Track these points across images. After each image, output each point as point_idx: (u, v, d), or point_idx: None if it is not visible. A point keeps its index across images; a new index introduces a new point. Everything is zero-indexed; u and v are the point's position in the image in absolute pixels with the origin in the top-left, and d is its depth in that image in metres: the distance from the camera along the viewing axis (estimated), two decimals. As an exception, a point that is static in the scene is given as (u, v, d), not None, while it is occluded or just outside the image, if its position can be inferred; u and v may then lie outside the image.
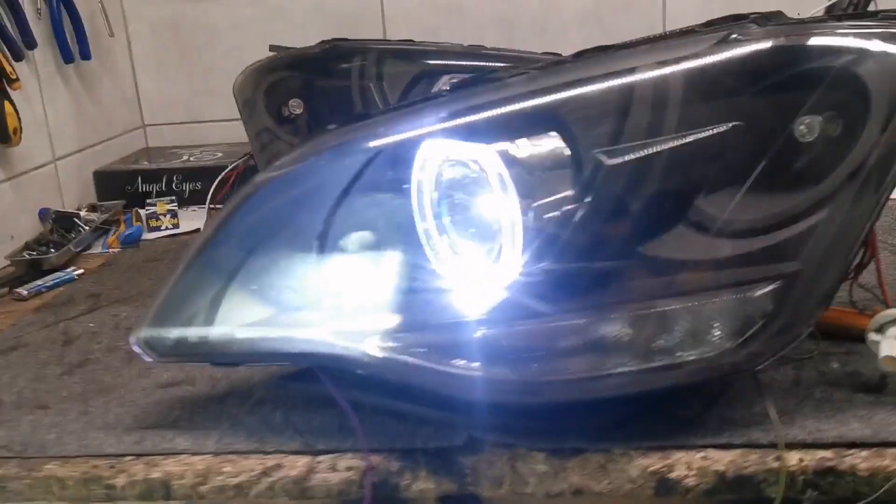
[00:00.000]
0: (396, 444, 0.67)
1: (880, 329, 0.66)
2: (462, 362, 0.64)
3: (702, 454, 0.62)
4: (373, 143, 0.67)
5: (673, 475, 0.61)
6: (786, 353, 0.70)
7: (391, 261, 0.67)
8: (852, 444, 0.60)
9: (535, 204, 0.64)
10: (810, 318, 0.64)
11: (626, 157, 0.63)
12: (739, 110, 0.65)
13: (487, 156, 0.64)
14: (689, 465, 0.62)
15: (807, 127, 0.65)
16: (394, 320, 0.66)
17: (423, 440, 0.66)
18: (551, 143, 0.65)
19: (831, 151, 0.64)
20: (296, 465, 0.67)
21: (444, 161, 0.66)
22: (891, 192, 0.66)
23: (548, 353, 0.65)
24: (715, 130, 0.63)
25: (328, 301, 0.68)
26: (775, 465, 0.60)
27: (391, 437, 0.67)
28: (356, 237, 0.67)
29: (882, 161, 0.63)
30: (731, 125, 0.63)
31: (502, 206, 0.64)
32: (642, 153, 0.63)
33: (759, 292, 0.63)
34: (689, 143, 0.63)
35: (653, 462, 0.62)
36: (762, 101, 0.65)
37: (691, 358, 0.63)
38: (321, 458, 0.67)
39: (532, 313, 0.64)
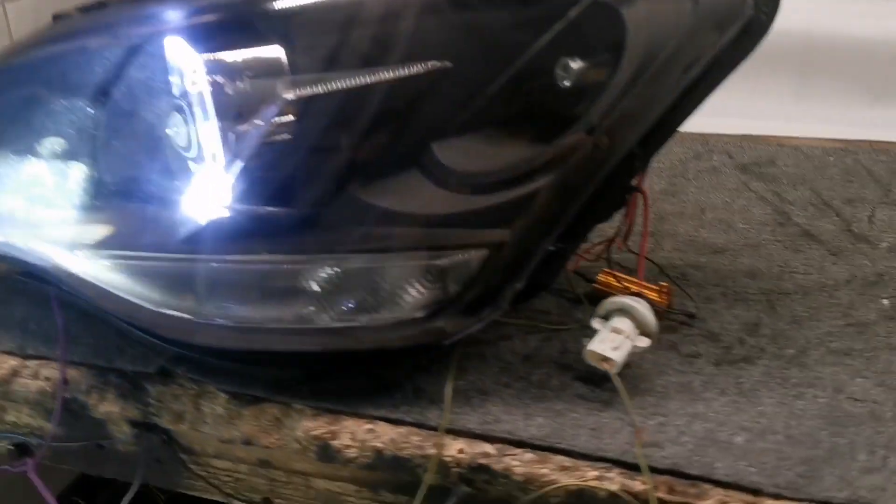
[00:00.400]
0: (97, 361, 0.64)
1: (607, 316, 0.58)
2: (150, 293, 0.60)
3: (370, 426, 0.57)
4: (99, 40, 0.61)
5: (335, 443, 0.57)
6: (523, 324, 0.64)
7: (104, 171, 0.62)
8: (520, 443, 0.54)
9: (239, 128, 0.57)
10: (510, 296, 0.56)
11: (323, 88, 0.55)
12: (479, 42, 0.55)
13: (191, 66, 0.57)
14: (354, 435, 0.57)
15: (563, 70, 0.55)
16: (98, 235, 0.62)
17: (121, 361, 0.64)
18: (269, 60, 0.57)
19: (577, 103, 0.55)
20: (2, 365, 0.66)
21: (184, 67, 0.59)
22: (643, 165, 0.56)
23: (240, 297, 0.59)
24: (444, 65, 0.54)
25: (39, 207, 0.64)
26: (432, 451, 0.54)
27: (97, 352, 0.65)
28: (61, 143, 0.62)
29: (623, 121, 0.53)
30: (467, 60, 0.54)
31: (202, 126, 0.57)
32: (346, 84, 0.55)
33: (460, 259, 0.55)
34: (408, 77, 0.55)
35: (319, 425, 0.57)
36: (507, 33, 0.55)
37: (381, 322, 0.57)
38: (30, 363, 0.66)
39: (229, 251, 0.59)
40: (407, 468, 0.55)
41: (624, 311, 0.57)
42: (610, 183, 0.54)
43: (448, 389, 0.57)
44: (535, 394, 0.58)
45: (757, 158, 0.93)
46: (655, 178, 0.90)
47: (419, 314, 0.56)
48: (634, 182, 0.58)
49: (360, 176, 0.57)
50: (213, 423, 0.61)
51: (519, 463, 0.53)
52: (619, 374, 0.58)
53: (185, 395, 0.62)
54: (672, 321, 0.65)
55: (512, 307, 0.57)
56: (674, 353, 0.61)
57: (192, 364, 0.62)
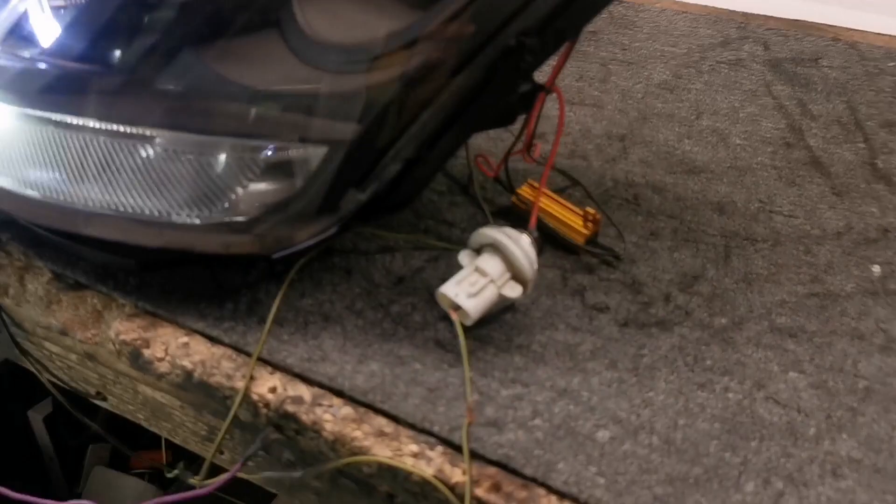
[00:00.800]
0: (-69, 214, 0.56)
1: (480, 249, 0.45)
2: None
3: (186, 340, 0.48)
4: None
5: (147, 352, 0.48)
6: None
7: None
8: (339, 393, 0.44)
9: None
10: (351, 208, 0.44)
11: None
12: None
13: None
14: (168, 348, 0.48)
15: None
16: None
17: (-46, 217, 0.56)
18: None
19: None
20: None
21: None
22: (540, 59, 0.42)
23: (58, 168, 0.49)
24: None
25: None
26: (240, 384, 0.45)
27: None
28: None
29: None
30: None
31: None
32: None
33: (295, 155, 0.44)
34: None
35: (132, 329, 0.49)
36: None
37: (206, 222, 0.46)
38: None
39: (47, 110, 0.48)
40: (216, 398, 0.46)
41: (495, 249, 0.44)
42: (490, 80, 0.41)
43: (272, 312, 0.47)
44: (386, 329, 0.47)
45: (798, 53, 0.75)
46: (661, 65, 0.74)
47: (242, 217, 0.45)
48: (544, 79, 0.44)
49: (202, 32, 0.44)
50: (34, 304, 0.53)
51: (331, 418, 0.43)
52: (496, 320, 0.47)
53: (10, 267, 0.54)
54: (594, 258, 0.52)
55: (361, 223, 0.46)
56: (577, 300, 0.49)
57: (19, 231, 0.54)
